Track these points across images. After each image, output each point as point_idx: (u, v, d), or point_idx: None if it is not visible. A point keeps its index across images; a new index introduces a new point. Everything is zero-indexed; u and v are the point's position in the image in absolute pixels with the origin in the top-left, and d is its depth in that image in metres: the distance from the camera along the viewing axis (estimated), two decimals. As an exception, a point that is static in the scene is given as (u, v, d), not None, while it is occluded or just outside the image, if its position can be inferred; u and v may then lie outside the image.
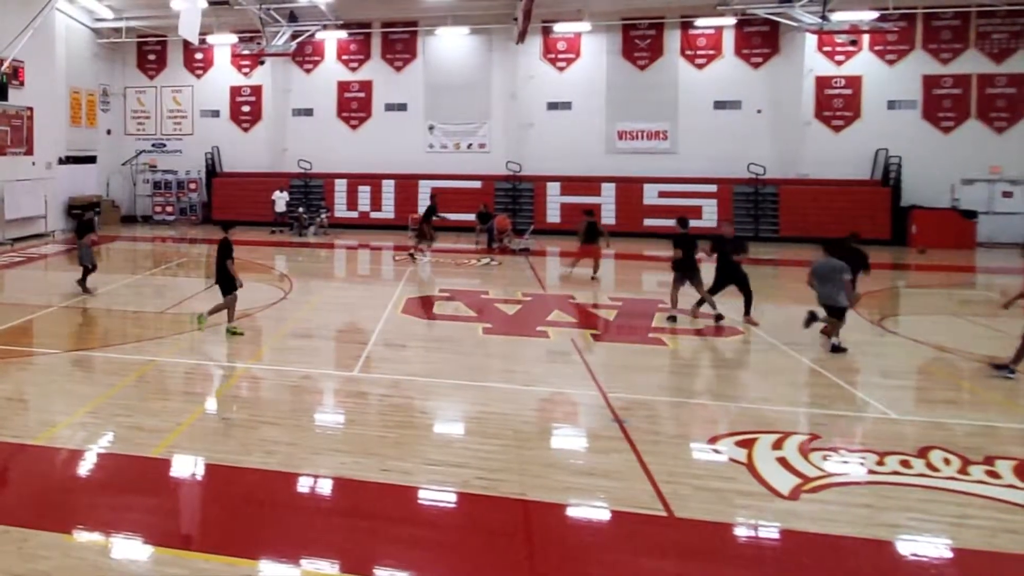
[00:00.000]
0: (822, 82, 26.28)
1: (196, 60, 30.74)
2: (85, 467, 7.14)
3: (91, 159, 29.02)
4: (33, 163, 24.74)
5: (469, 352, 11.02)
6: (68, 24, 27.11)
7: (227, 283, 11.91)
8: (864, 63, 26.07)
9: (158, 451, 7.32)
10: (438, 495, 6.53)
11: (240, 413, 8.49)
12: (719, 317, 12.79)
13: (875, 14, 23.66)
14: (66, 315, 13.37)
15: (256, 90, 30.24)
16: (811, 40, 25.60)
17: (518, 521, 6.13)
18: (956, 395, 9.63)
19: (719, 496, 6.52)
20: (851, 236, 12.50)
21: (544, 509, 6.30)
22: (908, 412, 8.71)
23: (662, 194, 25.77)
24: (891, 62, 25.97)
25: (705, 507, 6.32)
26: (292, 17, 26.16)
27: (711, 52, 26.97)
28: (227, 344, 11.31)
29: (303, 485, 6.71)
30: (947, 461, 7.23)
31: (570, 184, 26.71)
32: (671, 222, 22.97)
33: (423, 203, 27.45)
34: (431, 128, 28.70)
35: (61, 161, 26.74)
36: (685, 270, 13.26)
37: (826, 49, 26.08)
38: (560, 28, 27.29)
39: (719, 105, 26.78)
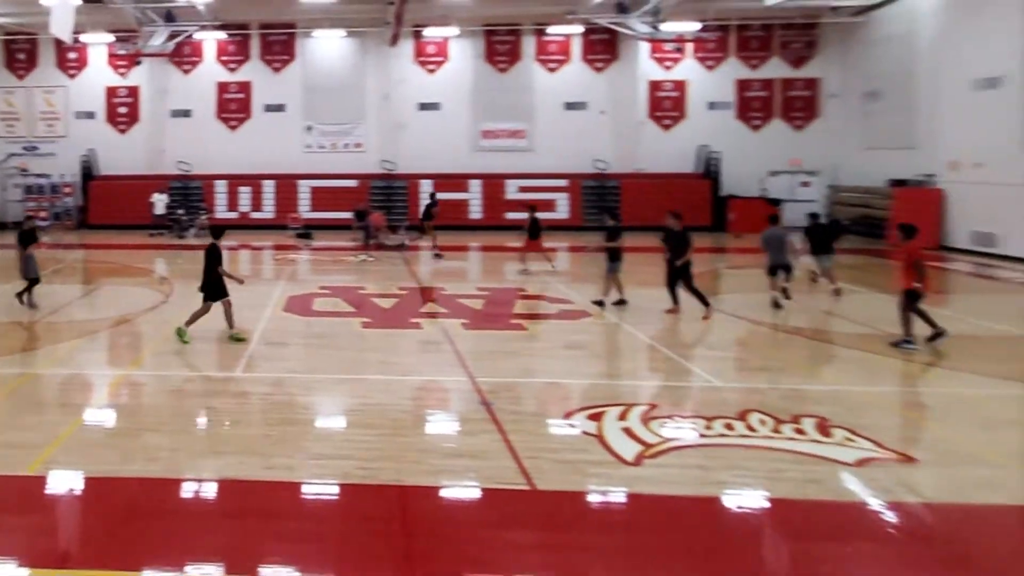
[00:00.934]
0: (654, 86, 27.15)
1: (70, 60, 28.32)
2: (-47, 492, 6.39)
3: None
4: None
5: (348, 347, 10.72)
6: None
7: (212, 290, 10.93)
8: (688, 69, 27.08)
9: (33, 468, 6.64)
10: (320, 488, 6.30)
11: (121, 422, 7.95)
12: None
13: (698, 25, 24.57)
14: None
15: (133, 91, 28.27)
16: (645, 48, 26.34)
17: (396, 507, 6.02)
18: (769, 363, 10.08)
19: (574, 467, 6.58)
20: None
21: (419, 493, 6.19)
22: (730, 380, 9.10)
23: (521, 189, 26.04)
24: (710, 68, 27.09)
25: (563, 478, 6.36)
26: (169, 17, 24.35)
27: (561, 57, 27.34)
28: (107, 351, 10.55)
29: (187, 490, 6.31)
30: (763, 422, 7.57)
31: (441, 181, 26.53)
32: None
33: (303, 203, 26.67)
34: (309, 128, 27.76)
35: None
36: (614, 260, 12.90)
37: (657, 56, 26.92)
38: (430, 32, 26.97)
39: (569, 106, 27.24)
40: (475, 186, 26.62)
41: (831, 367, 10.10)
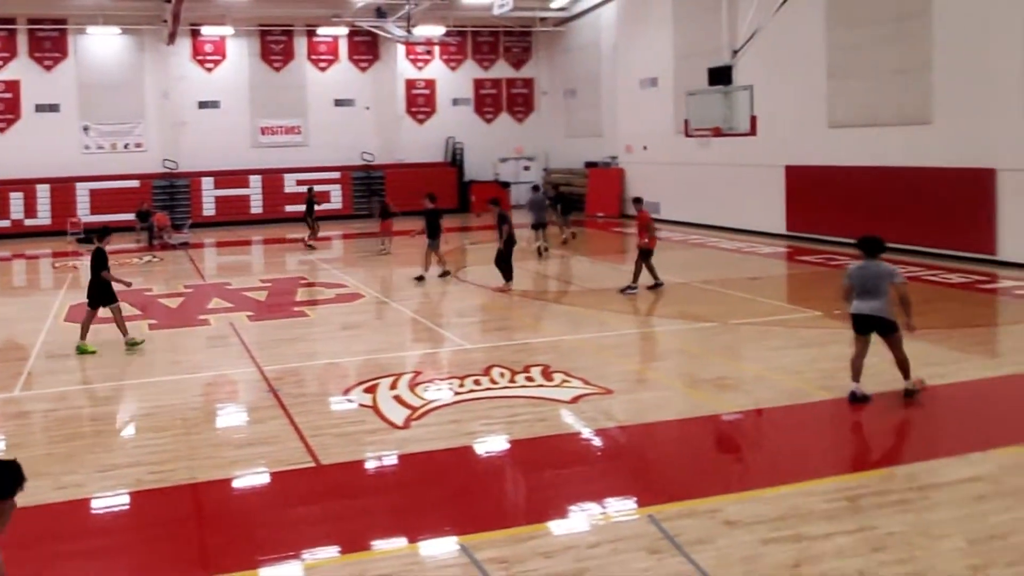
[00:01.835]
0: (409, 84, 26.62)
1: None
2: None
3: None
4: None
5: (135, 351, 9.39)
6: None
7: (98, 296, 8.92)
8: (436, 69, 26.85)
9: None
10: (112, 500, 5.48)
11: None
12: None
13: (443, 30, 24.39)
14: None
15: None
16: (401, 49, 25.63)
17: (190, 506, 5.46)
18: (504, 323, 10.36)
19: (353, 439, 6.35)
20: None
21: (213, 487, 5.63)
22: (476, 342, 9.30)
23: (299, 182, 24.47)
24: (453, 68, 27.07)
25: (344, 450, 6.12)
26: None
27: (330, 57, 25.80)
28: None
29: (-37, 530, 5.25)
30: (502, 375, 7.79)
31: (222, 178, 24.15)
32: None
33: (82, 206, 22.95)
34: (86, 129, 23.50)
35: None
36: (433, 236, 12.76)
37: (411, 57, 26.36)
38: (207, 31, 23.98)
39: (339, 103, 25.84)
40: (255, 181, 24.54)
41: (551, 321, 10.51)
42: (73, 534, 5.10)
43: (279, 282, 13.98)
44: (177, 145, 24.33)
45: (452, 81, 27.00)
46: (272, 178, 24.58)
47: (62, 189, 22.94)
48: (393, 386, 7.64)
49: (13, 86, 23.11)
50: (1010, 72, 12.67)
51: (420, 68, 26.67)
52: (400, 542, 4.69)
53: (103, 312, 9.41)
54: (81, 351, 9.13)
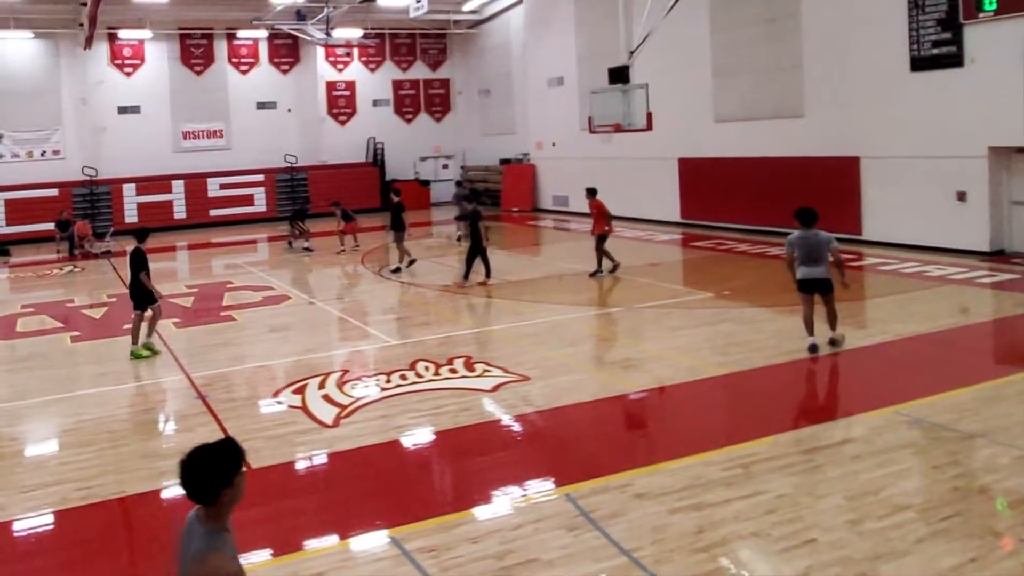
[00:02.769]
0: (330, 85, 25.77)
1: None
2: None
3: None
4: None
5: (58, 364, 8.72)
6: None
7: (141, 296, 8.12)
8: (356, 71, 26.10)
9: None
10: (36, 521, 5.07)
11: None
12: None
13: (361, 32, 23.70)
14: None
15: None
16: (321, 52, 24.72)
17: (118, 520, 5.15)
18: (427, 318, 10.20)
19: (284, 440, 6.12)
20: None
21: (142, 500, 5.29)
22: (402, 337, 9.13)
23: (223, 186, 23.30)
24: (372, 70, 26.40)
25: (275, 453, 5.88)
26: None
27: (251, 60, 24.55)
28: None
29: None
30: (427, 368, 7.70)
31: (144, 184, 22.62)
32: (232, 210, 21.37)
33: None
34: (0, 137, 21.52)
35: None
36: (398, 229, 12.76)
37: (331, 59, 25.50)
38: (125, 35, 22.32)
39: (260, 106, 24.67)
40: (178, 186, 23.12)
41: (470, 314, 10.50)
42: (-6, 561, 4.71)
43: (205, 287, 13.28)
44: (97, 152, 22.60)
45: (372, 82, 26.32)
46: (195, 183, 23.25)
47: (-28, 200, 20.93)
48: (322, 386, 7.43)
49: (-83, 95, 20.83)
50: (871, 69, 13.47)
51: (340, 70, 25.84)
52: (332, 539, 4.60)
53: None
54: (136, 356, 8.57)
